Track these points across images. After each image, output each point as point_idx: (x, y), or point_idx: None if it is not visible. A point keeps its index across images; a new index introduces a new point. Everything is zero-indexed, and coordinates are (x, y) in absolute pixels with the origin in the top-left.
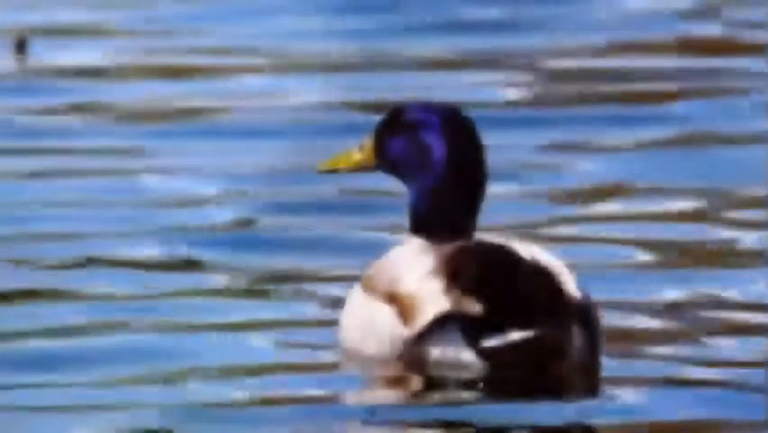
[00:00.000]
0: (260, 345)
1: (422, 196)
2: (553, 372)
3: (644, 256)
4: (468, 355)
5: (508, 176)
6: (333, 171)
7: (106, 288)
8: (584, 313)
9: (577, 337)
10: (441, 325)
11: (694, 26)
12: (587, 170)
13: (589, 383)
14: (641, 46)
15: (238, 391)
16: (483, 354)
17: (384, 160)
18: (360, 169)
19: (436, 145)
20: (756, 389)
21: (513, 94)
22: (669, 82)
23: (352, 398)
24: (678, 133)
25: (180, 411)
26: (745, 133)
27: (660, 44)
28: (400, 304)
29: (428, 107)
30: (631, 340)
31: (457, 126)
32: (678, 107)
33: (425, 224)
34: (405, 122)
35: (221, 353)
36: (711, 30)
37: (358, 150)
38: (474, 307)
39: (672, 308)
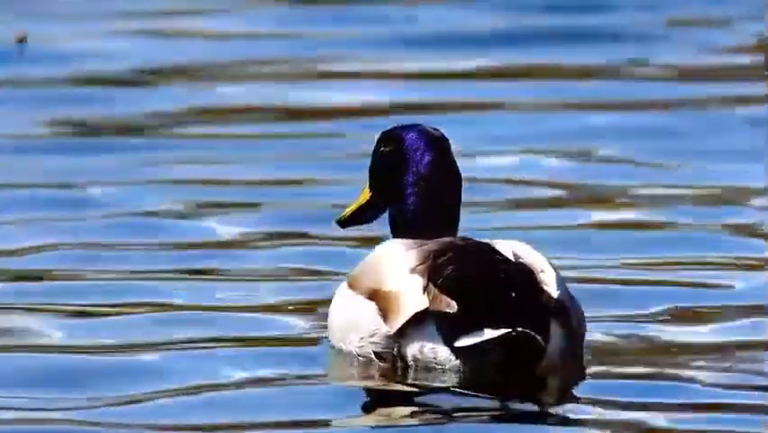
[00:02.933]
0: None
1: (402, 211)
2: (530, 370)
3: None
4: (444, 353)
5: None
6: (348, 223)
7: None
8: (563, 312)
9: (555, 337)
10: (418, 323)
11: None
12: None
13: (569, 383)
14: None
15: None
16: (459, 352)
17: (374, 188)
18: (364, 209)
19: (413, 162)
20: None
21: None
22: None
23: (335, 392)
24: None
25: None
26: None
27: None
28: (382, 301)
29: (402, 128)
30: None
31: (429, 140)
32: None
33: (407, 233)
34: (382, 144)
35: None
36: None
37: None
38: (452, 305)
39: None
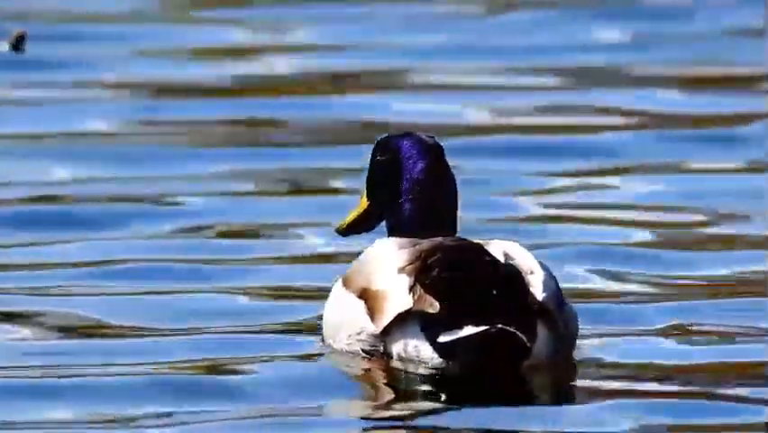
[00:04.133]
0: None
1: (399, 217)
2: (515, 370)
3: None
4: (427, 351)
5: None
6: (347, 231)
7: None
8: (548, 313)
9: (541, 337)
10: (403, 322)
11: None
12: None
13: (554, 384)
14: None
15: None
16: (441, 349)
17: (371, 195)
18: (363, 218)
19: (408, 168)
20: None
21: None
22: None
23: (325, 392)
24: None
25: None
26: None
27: None
28: (370, 300)
29: (397, 136)
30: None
31: (424, 147)
32: None
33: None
34: (378, 153)
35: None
36: None
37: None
38: (434, 305)
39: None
